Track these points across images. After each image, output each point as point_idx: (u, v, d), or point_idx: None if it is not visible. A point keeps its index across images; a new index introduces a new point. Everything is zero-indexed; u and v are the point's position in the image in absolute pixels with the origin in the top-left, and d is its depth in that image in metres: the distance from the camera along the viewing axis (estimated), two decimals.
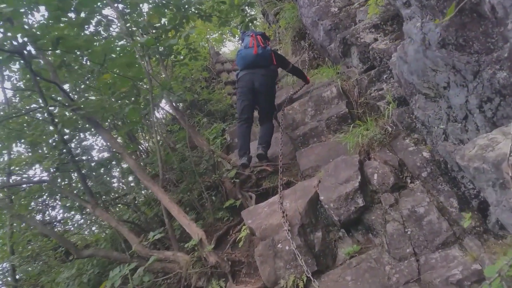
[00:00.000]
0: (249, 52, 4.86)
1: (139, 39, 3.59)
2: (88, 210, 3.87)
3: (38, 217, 5.60)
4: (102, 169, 4.48)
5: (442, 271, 2.41)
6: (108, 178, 4.73)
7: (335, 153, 4.22)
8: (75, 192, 4.61)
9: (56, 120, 3.68)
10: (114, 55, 4.10)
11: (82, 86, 4.91)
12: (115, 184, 5.46)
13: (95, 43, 3.79)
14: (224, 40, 14.48)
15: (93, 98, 4.80)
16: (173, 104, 4.83)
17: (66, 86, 5.29)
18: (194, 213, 4.33)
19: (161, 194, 3.50)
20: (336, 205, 3.16)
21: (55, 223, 5.49)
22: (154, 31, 4.80)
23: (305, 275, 2.96)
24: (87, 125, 4.44)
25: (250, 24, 6.26)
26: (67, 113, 4.32)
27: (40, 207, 5.66)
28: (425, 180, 3.21)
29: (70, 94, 4.97)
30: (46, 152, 4.11)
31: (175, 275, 3.42)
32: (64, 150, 3.70)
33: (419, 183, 3.23)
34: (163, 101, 6.21)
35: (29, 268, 4.78)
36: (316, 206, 3.34)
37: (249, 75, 4.85)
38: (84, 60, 4.98)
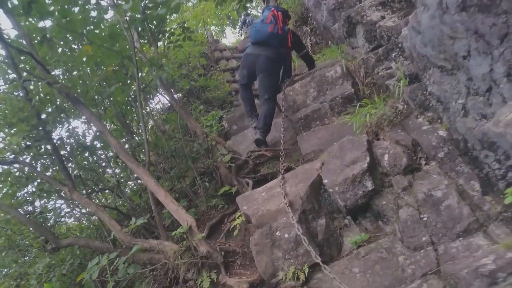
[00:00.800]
0: (265, 28, 4.59)
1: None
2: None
3: (30, 208, 5.29)
4: (87, 153, 4.12)
5: (468, 261, 2.07)
6: (96, 164, 4.36)
7: (339, 137, 3.86)
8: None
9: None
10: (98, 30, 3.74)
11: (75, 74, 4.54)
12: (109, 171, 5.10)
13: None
14: (224, 30, 14.16)
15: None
16: (163, 82, 4.47)
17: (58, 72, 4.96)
18: (186, 200, 3.98)
19: (146, 177, 3.15)
20: (341, 189, 2.81)
21: (44, 213, 5.15)
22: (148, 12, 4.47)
23: (306, 266, 2.63)
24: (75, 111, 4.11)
25: (248, 4, 5.92)
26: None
27: (30, 198, 5.34)
28: (442, 161, 2.86)
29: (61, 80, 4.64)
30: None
31: (163, 266, 3.08)
32: (37, 128, 3.32)
33: (435, 165, 2.89)
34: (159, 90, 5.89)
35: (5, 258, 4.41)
36: (319, 191, 2.99)
37: (253, 56, 4.64)
38: (76, 44, 4.65)
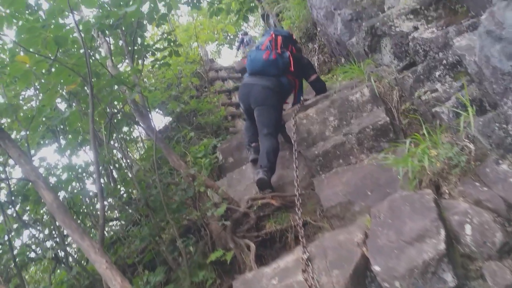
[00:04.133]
0: (259, 56, 3.87)
1: None
2: None
3: None
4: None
5: None
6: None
7: (373, 183, 2.83)
8: None
9: None
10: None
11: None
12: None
13: None
14: (220, 50, 13.40)
15: None
16: (137, 106, 3.45)
17: None
18: (162, 271, 2.85)
19: (94, 255, 2.04)
20: (405, 285, 1.73)
21: None
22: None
23: None
24: None
25: (248, 15, 5.01)
26: None
27: None
28: None
29: None
30: None
31: None
32: None
33: None
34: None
35: None
36: (363, 280, 1.91)
37: (247, 87, 3.93)
38: None
